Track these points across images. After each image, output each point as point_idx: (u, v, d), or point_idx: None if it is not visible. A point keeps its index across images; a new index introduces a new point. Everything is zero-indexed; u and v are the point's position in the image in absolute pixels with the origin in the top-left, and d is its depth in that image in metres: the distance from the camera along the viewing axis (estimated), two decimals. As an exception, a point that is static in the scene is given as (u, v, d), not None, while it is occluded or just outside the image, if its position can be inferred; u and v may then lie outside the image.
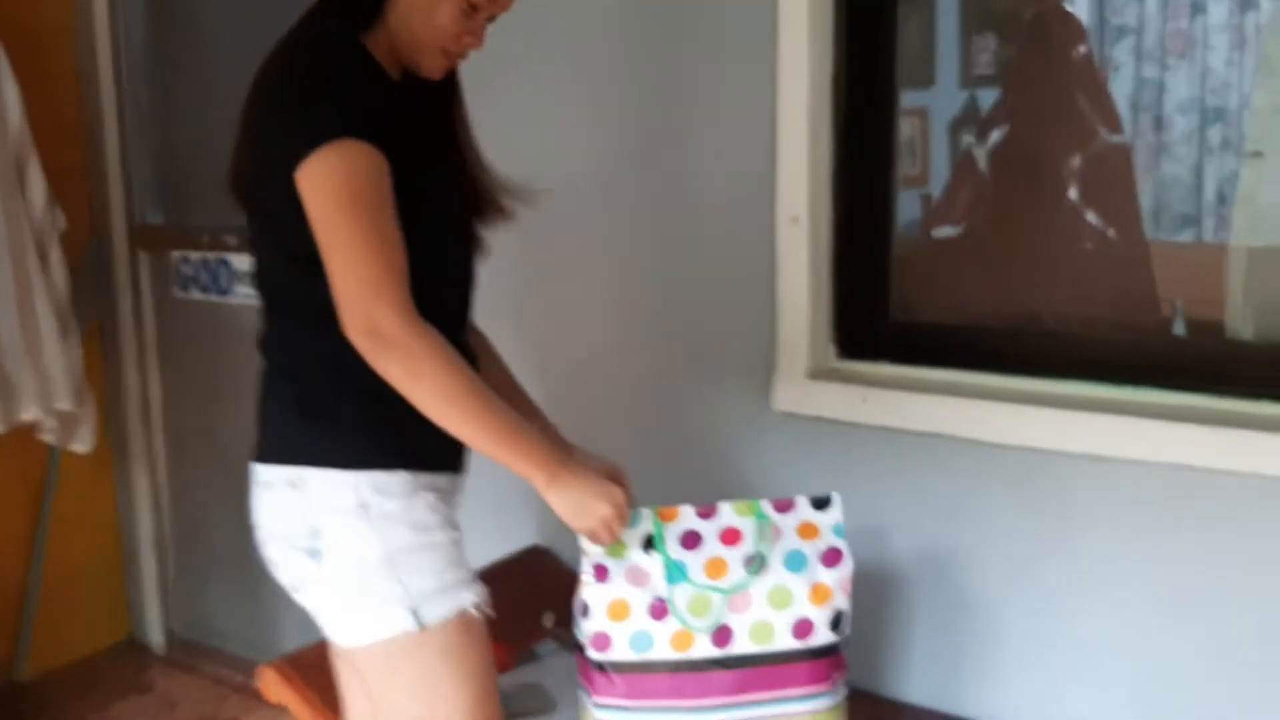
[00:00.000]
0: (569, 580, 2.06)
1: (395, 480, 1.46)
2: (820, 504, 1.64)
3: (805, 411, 2.10)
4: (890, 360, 2.08)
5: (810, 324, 2.08)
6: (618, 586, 1.58)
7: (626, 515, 1.52)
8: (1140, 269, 2.18)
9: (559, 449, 1.51)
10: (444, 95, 1.60)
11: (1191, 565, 1.78)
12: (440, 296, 1.49)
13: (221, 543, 3.17)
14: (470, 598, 1.50)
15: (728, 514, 1.63)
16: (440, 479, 1.53)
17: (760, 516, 1.62)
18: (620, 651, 1.57)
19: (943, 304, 2.19)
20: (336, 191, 1.35)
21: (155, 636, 3.30)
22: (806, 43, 1.99)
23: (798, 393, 2.10)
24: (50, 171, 2.80)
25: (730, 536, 1.60)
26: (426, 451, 1.49)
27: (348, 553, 1.46)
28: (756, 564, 1.57)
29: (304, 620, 3.04)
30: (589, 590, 1.59)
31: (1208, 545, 1.76)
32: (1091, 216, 2.14)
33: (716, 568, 1.58)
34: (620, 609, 1.57)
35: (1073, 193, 2.15)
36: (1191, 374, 1.81)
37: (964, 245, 2.28)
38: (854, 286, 2.10)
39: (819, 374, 2.10)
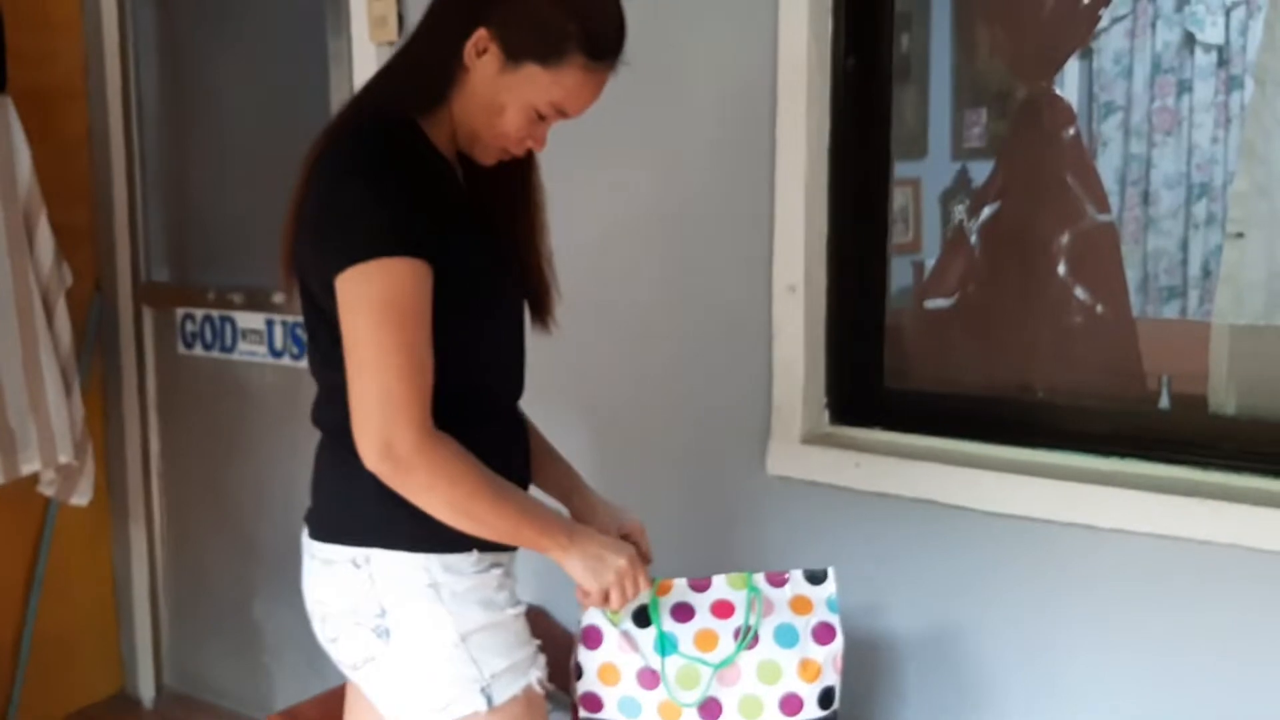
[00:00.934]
0: (565, 641, 2.08)
1: (465, 559, 1.45)
2: (815, 578, 1.65)
3: (798, 475, 2.12)
4: (883, 427, 2.12)
5: (805, 389, 2.12)
6: (609, 651, 1.59)
7: (640, 571, 1.52)
8: (1127, 343, 2.23)
9: (569, 520, 1.53)
10: (517, 174, 1.57)
11: (1177, 635, 1.80)
12: (494, 386, 1.52)
13: (217, 599, 3.17)
14: (536, 674, 1.50)
15: (721, 586, 1.63)
16: (504, 555, 1.53)
17: (752, 589, 1.62)
18: (610, 713, 1.59)
19: (935, 373, 2.24)
20: (369, 306, 1.33)
21: (147, 691, 3.29)
22: (804, 115, 2.04)
23: (791, 457, 2.13)
24: (58, 229, 2.85)
25: (722, 609, 1.61)
26: None
27: (420, 633, 1.44)
28: (745, 637, 1.58)
29: (296, 677, 3.05)
30: (583, 653, 1.61)
31: (1193, 616, 1.79)
32: (1080, 291, 2.20)
33: (707, 640, 1.59)
34: (611, 673, 1.59)
35: (1062, 268, 2.21)
36: (1176, 446, 1.85)
37: (956, 316, 2.34)
38: (848, 353, 2.14)
39: (812, 439, 2.13)
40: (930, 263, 2.64)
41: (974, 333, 2.31)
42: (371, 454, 1.34)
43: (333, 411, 1.47)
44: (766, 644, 1.59)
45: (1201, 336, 1.89)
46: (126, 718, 3.23)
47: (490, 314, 1.50)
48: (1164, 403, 2.03)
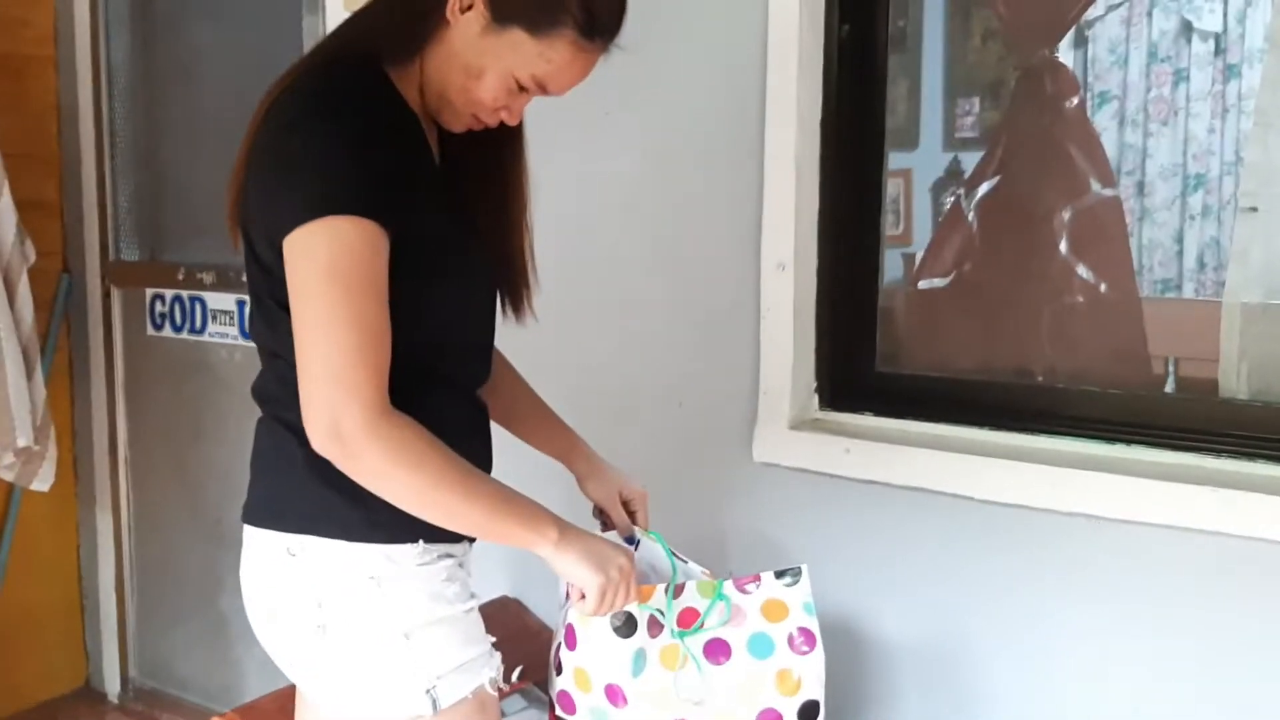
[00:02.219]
0: (539, 633, 1.99)
1: (409, 550, 1.33)
2: (788, 578, 1.50)
3: (786, 463, 2.04)
4: (874, 412, 2.04)
5: (793, 373, 2.04)
6: (583, 656, 1.47)
7: (634, 576, 1.40)
8: (1133, 324, 2.15)
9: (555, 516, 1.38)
10: (500, 146, 1.45)
11: (1183, 627, 1.73)
12: (450, 370, 1.40)
13: (185, 589, 3.08)
14: (489, 674, 1.38)
15: (690, 593, 1.49)
16: (456, 546, 1.40)
17: (719, 597, 1.48)
18: (583, 718, 1.49)
19: (929, 356, 2.16)
20: (314, 271, 1.20)
21: (112, 684, 3.20)
22: (795, 84, 1.96)
23: (779, 443, 2.04)
24: (25, 204, 2.76)
25: (687, 619, 1.47)
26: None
27: (359, 629, 1.33)
28: (694, 631, 1.45)
29: (266, 670, 2.95)
30: (564, 652, 1.50)
31: (1200, 608, 1.71)
32: (1083, 270, 2.12)
33: (671, 658, 1.45)
34: (583, 680, 1.47)
35: (1064, 245, 2.13)
36: (1184, 432, 1.77)
37: (952, 296, 2.25)
38: (839, 336, 2.06)
39: (801, 424, 2.05)
40: (921, 255, 2.56)
41: (970, 314, 2.23)
42: (318, 435, 1.22)
43: (267, 381, 1.38)
44: (740, 658, 1.45)
45: (1211, 317, 1.80)
46: (91, 712, 3.13)
47: (450, 291, 1.36)
48: (1170, 386, 1.95)
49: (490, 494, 1.31)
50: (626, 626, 1.45)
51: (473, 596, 1.41)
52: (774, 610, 1.47)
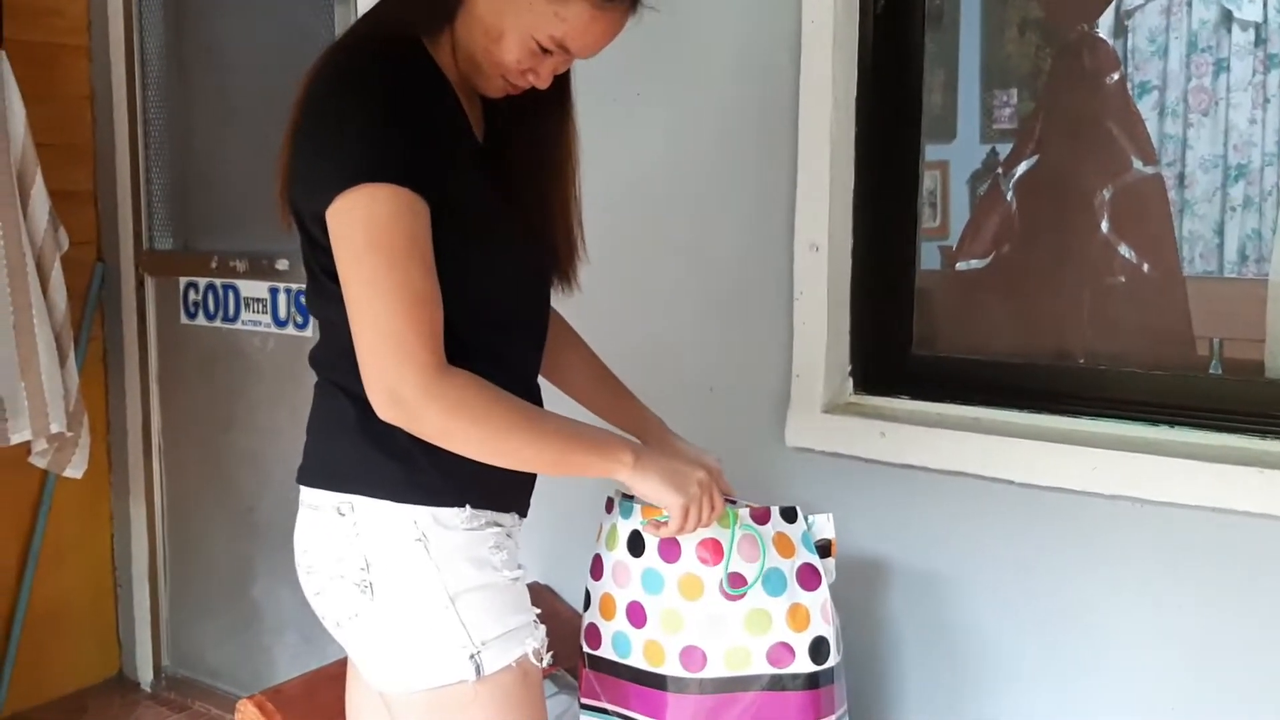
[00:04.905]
0: (570, 620, 1.97)
1: (457, 514, 1.34)
2: (788, 515, 1.52)
3: (819, 447, 2.01)
4: (910, 395, 2.00)
5: (827, 355, 2.00)
6: (606, 583, 1.51)
7: (716, 487, 1.41)
8: (1176, 304, 2.10)
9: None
10: (548, 113, 1.44)
11: (1228, 612, 1.68)
12: (506, 338, 1.40)
13: (218, 577, 3.09)
14: (533, 644, 1.37)
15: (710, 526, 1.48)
16: (504, 515, 1.40)
17: (743, 527, 1.47)
18: (606, 650, 1.51)
19: (966, 338, 2.11)
20: (356, 242, 1.22)
21: (145, 673, 3.21)
22: (831, 61, 1.93)
23: (812, 427, 2.01)
24: (59, 194, 2.78)
25: (709, 550, 1.46)
26: (493, 489, 1.37)
27: (405, 590, 1.33)
28: (734, 584, 1.45)
29: (298, 658, 2.96)
30: (590, 583, 1.52)
31: (1245, 592, 1.66)
32: (1125, 249, 2.06)
33: (691, 587, 1.46)
34: (609, 606, 1.50)
35: (1105, 224, 2.08)
36: (1230, 414, 1.72)
37: (989, 277, 2.20)
38: (874, 318, 2.03)
39: (835, 408, 2.02)
40: (959, 237, 2.52)
41: (1009, 295, 2.18)
42: (380, 403, 1.24)
43: (321, 348, 1.40)
44: (756, 593, 1.46)
45: (1257, 296, 1.75)
46: (124, 700, 3.14)
47: (489, 263, 1.35)
48: (1215, 367, 1.90)
49: (558, 431, 1.32)
50: (633, 545, 1.48)
51: (520, 567, 1.40)
52: (784, 546, 1.50)
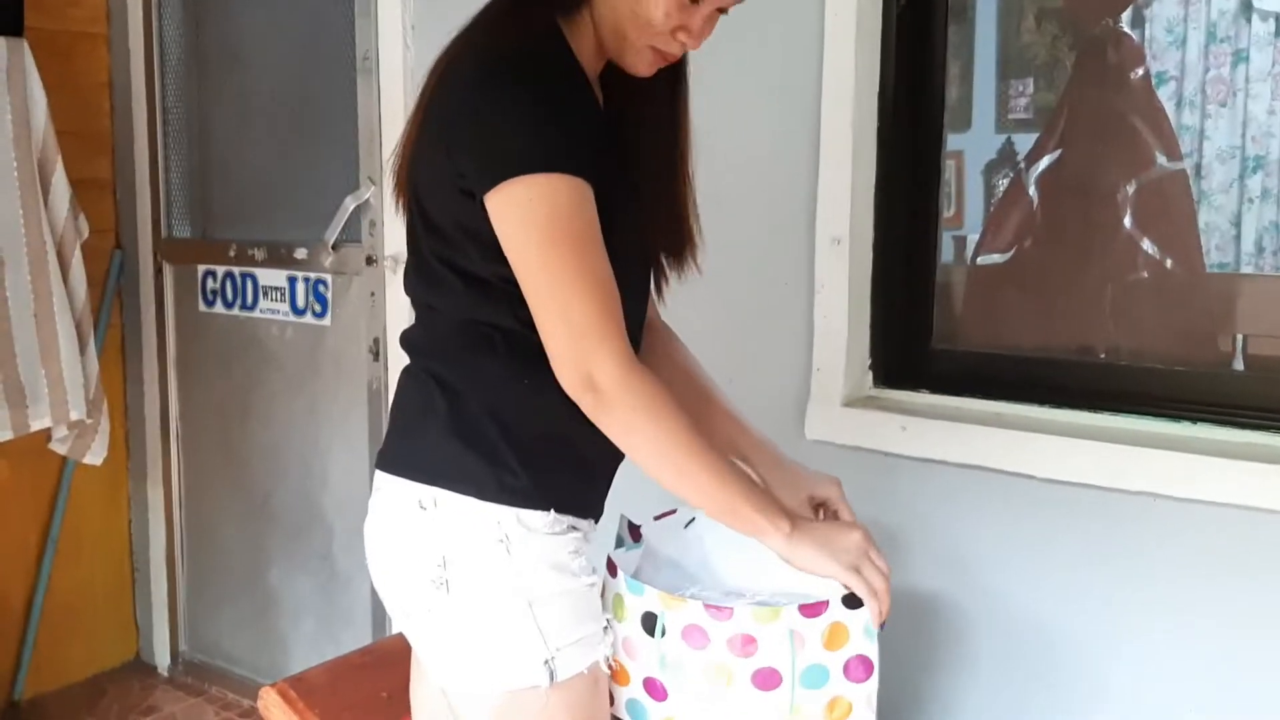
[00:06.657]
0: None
1: (542, 517, 1.30)
2: (853, 602, 1.31)
3: (840, 440, 2.01)
4: (931, 389, 2.00)
5: (848, 349, 2.00)
6: (616, 649, 1.35)
7: (874, 545, 1.32)
8: (1200, 299, 2.09)
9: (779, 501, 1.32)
10: (665, 97, 1.42)
11: (1254, 612, 1.68)
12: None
13: (234, 564, 3.10)
14: (604, 651, 1.34)
15: (745, 619, 1.29)
16: (582, 520, 1.37)
17: (783, 626, 1.29)
18: (619, 710, 1.38)
19: (987, 333, 2.11)
20: (538, 230, 1.20)
21: (162, 658, 3.23)
22: (853, 55, 1.93)
23: (832, 421, 2.01)
24: (78, 181, 2.79)
25: (743, 645, 1.30)
26: (577, 493, 1.35)
27: (483, 591, 1.29)
28: (768, 680, 1.29)
29: (315, 645, 2.97)
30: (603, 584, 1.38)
31: (1270, 588, 1.66)
32: (1148, 245, 2.05)
33: (723, 674, 1.30)
34: (621, 673, 1.36)
35: (1128, 220, 2.07)
36: (1254, 410, 1.72)
37: (1011, 272, 2.20)
38: (895, 311, 2.03)
39: (855, 402, 2.02)
40: (974, 238, 2.51)
41: (1031, 290, 2.17)
42: (573, 386, 1.21)
43: (419, 333, 1.37)
44: (789, 686, 1.30)
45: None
46: (141, 685, 3.16)
47: (617, 258, 1.29)
48: (1239, 363, 1.89)
49: (727, 469, 1.27)
50: (648, 625, 1.34)
51: (594, 571, 1.36)
52: (836, 638, 1.32)
